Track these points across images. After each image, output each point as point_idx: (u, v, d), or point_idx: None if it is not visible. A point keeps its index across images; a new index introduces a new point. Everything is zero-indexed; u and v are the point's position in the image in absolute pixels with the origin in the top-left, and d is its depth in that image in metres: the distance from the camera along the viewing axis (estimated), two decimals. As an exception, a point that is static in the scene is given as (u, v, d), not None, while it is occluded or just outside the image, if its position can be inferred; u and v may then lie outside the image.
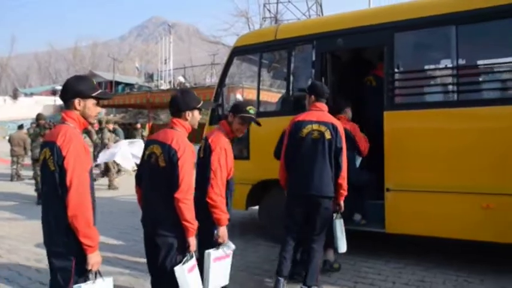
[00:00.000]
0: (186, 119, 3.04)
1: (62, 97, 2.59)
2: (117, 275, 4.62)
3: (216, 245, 3.23)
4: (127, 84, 40.37)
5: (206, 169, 3.26)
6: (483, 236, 4.29)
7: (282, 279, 3.90)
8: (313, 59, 5.26)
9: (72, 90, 2.55)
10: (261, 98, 5.81)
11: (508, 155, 4.12)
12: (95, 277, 2.52)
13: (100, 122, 16.35)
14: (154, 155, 2.90)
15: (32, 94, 50.42)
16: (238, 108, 3.53)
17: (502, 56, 4.56)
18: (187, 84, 30.04)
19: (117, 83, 41.67)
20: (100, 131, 14.20)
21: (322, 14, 31.33)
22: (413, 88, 4.86)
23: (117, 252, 5.46)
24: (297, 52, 5.51)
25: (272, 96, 6.96)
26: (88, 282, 2.48)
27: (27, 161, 14.21)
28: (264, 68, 6.24)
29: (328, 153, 3.84)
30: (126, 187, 11.38)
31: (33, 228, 6.83)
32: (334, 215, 4.05)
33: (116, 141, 13.68)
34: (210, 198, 3.16)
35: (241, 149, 5.81)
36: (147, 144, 3.06)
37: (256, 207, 6.03)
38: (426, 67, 4.97)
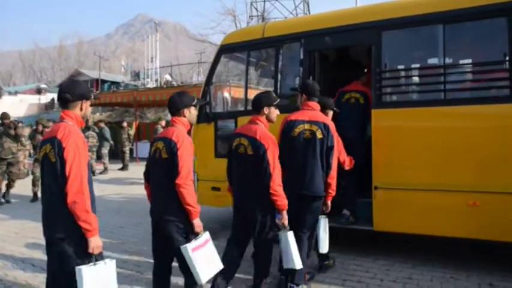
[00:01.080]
0: (185, 116, 3.36)
1: (62, 99, 2.80)
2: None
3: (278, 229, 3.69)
4: (113, 83, 40.02)
5: (262, 165, 3.51)
6: (469, 233, 4.33)
7: (284, 277, 3.91)
8: (301, 57, 5.25)
9: (77, 93, 2.80)
10: (249, 96, 5.78)
11: (494, 153, 4.17)
12: (96, 260, 2.67)
13: (86, 121, 16.18)
14: (158, 150, 3.24)
15: (16, 92, 49.57)
16: (270, 99, 3.77)
17: (489, 55, 4.60)
18: (174, 83, 29.93)
19: (103, 82, 41.27)
20: (86, 129, 14.07)
21: (309, 13, 31.40)
22: (401, 86, 4.89)
23: (105, 252, 5.37)
24: (285, 50, 5.49)
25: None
26: (90, 264, 2.63)
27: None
28: (252, 66, 6.22)
29: (319, 152, 3.89)
30: (111, 187, 11.29)
31: (18, 228, 6.74)
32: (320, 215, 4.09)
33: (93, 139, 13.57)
34: (273, 189, 3.50)
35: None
36: (153, 142, 3.39)
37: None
38: (413, 66, 4.98)
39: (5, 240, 6.05)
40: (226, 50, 6.03)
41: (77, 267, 2.58)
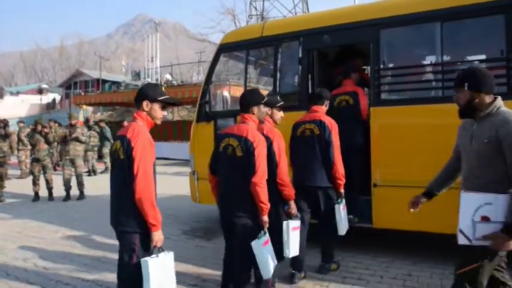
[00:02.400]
0: (254, 113, 3.52)
1: (134, 100, 3.02)
2: (106, 273, 4.61)
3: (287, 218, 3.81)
4: (114, 83, 40.00)
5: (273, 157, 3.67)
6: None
7: (297, 273, 4.18)
8: (300, 55, 5.27)
9: (142, 94, 2.96)
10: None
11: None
12: (158, 252, 2.82)
13: (87, 121, 16.22)
14: (231, 147, 3.38)
15: (18, 93, 49.65)
16: (273, 100, 3.95)
17: (487, 52, 4.61)
18: (174, 82, 29.89)
19: (104, 81, 41.25)
20: (88, 129, 14.09)
21: (308, 11, 31.36)
22: (399, 84, 4.89)
23: (107, 250, 5.44)
24: (284, 49, 5.51)
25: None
26: (153, 256, 2.77)
27: (14, 159, 14.08)
28: (251, 65, 6.23)
29: (318, 147, 4.26)
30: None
31: (20, 227, 6.77)
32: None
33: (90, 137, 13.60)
34: (280, 179, 3.67)
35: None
36: (222, 137, 3.54)
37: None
38: (412, 63, 4.99)
39: (7, 240, 6.07)
40: (225, 49, 6.05)
41: (143, 259, 2.73)
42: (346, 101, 5.08)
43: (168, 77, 32.59)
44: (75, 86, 47.28)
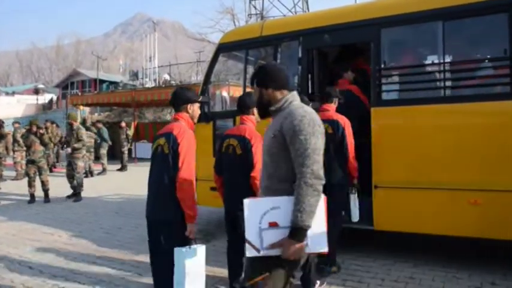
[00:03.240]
0: (253, 114, 3.75)
1: (174, 103, 3.28)
2: (103, 275, 4.54)
3: None
4: (111, 83, 39.95)
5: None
6: (471, 232, 4.29)
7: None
8: (300, 55, 5.21)
9: (184, 98, 3.25)
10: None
11: (495, 151, 4.13)
12: (192, 243, 3.00)
13: (84, 121, 16.14)
14: (231, 147, 3.65)
15: (13, 93, 49.50)
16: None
17: (489, 51, 4.56)
18: (173, 82, 29.87)
19: (102, 81, 41.16)
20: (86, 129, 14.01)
21: (309, 11, 31.33)
22: (400, 84, 4.83)
23: (103, 253, 5.37)
24: (283, 48, 5.45)
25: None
26: (187, 246, 2.92)
27: (9, 160, 13.98)
28: (250, 64, 6.17)
29: (332, 146, 4.25)
30: (110, 187, 11.25)
31: (15, 230, 6.69)
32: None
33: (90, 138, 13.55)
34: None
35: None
36: (223, 138, 3.78)
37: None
38: (413, 63, 4.93)
39: (2, 242, 5.99)
40: (224, 48, 5.99)
41: (176, 248, 2.87)
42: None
43: (167, 76, 32.55)
44: (72, 86, 47.14)
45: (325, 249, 2.19)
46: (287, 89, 2.38)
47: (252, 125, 3.75)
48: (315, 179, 2.09)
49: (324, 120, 4.15)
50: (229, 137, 3.75)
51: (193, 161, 3.09)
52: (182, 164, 3.00)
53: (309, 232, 2.10)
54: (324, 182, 2.14)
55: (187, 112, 3.24)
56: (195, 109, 3.28)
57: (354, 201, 4.61)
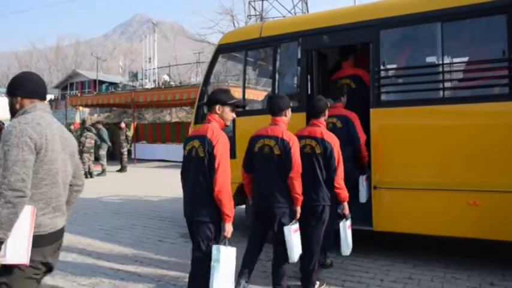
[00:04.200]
0: (286, 116, 3.92)
1: (207, 103, 3.51)
2: (103, 277, 4.54)
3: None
4: (111, 83, 39.93)
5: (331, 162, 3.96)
6: (470, 232, 4.31)
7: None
8: (299, 56, 5.22)
9: (215, 99, 3.37)
10: (247, 96, 5.76)
11: (494, 151, 4.14)
12: (228, 243, 3.16)
13: (83, 122, 16.16)
14: (268, 147, 3.76)
15: (13, 94, 49.39)
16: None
17: (488, 52, 4.57)
18: (172, 83, 29.85)
19: (101, 82, 41.15)
20: (84, 130, 14.03)
21: (308, 12, 31.36)
22: (400, 85, 4.85)
23: (103, 254, 5.37)
24: (283, 50, 5.46)
25: (258, 94, 6.90)
26: (223, 244, 3.13)
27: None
28: (250, 65, 6.19)
29: (342, 141, 4.25)
30: (109, 188, 11.25)
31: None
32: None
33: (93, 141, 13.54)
34: (337, 183, 3.94)
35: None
36: (257, 138, 3.88)
37: (243, 206, 5.98)
38: (412, 64, 4.94)
39: None
40: (223, 49, 6.00)
41: (215, 245, 3.11)
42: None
43: (166, 77, 32.54)
44: (71, 87, 47.16)
45: (23, 261, 2.16)
46: (37, 97, 2.38)
47: (284, 126, 3.90)
48: (10, 191, 2.05)
49: (333, 116, 4.50)
50: (264, 138, 3.85)
51: (228, 162, 3.22)
52: (218, 166, 3.12)
53: (9, 243, 2.09)
54: (21, 194, 2.07)
55: (217, 113, 3.34)
56: (225, 110, 3.36)
57: (362, 183, 4.69)
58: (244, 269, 3.98)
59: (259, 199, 3.93)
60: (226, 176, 3.16)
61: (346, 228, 4.12)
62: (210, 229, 3.20)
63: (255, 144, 3.90)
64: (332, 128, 4.63)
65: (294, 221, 3.75)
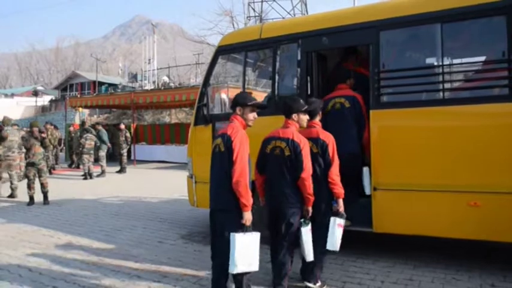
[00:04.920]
0: (294, 120, 4.03)
1: (231, 106, 3.79)
2: (103, 277, 4.53)
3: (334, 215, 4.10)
4: (110, 85, 39.98)
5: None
6: (471, 234, 4.30)
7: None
8: (299, 58, 5.22)
9: (235, 101, 3.72)
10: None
11: (494, 153, 4.14)
12: (247, 230, 3.41)
13: (83, 123, 16.15)
14: (279, 148, 3.89)
15: (12, 95, 49.47)
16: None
17: (488, 53, 4.57)
18: (172, 84, 29.85)
19: (101, 83, 41.22)
20: (84, 131, 14.01)
21: (307, 13, 31.39)
22: (400, 87, 4.84)
23: (103, 255, 5.35)
24: (282, 51, 5.45)
25: (257, 95, 6.88)
26: (241, 232, 3.37)
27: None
28: (249, 67, 6.17)
29: (350, 121, 4.87)
30: (109, 189, 11.23)
31: (15, 232, 6.68)
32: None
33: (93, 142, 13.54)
34: (331, 178, 4.05)
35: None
36: (269, 140, 4.00)
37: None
38: (412, 65, 4.93)
39: (1, 245, 5.98)
40: (223, 51, 5.99)
41: (231, 234, 3.34)
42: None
43: (166, 79, 32.57)
44: (71, 88, 47.20)
45: None
46: None
47: (295, 128, 4.02)
48: None
49: (341, 96, 4.62)
50: (275, 139, 3.97)
51: (246, 156, 3.48)
52: (236, 158, 3.41)
53: None
54: None
55: (238, 114, 3.67)
56: (245, 111, 3.67)
57: (367, 175, 4.73)
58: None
59: (269, 201, 4.06)
60: (244, 168, 3.41)
61: (335, 225, 4.07)
62: (230, 218, 3.45)
63: (266, 145, 4.04)
64: (340, 108, 4.91)
65: (307, 221, 3.88)
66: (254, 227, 3.58)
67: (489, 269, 4.43)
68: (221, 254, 3.49)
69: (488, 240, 4.33)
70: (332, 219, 4.08)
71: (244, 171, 3.41)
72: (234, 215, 3.44)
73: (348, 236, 4.40)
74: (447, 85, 4.54)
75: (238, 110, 3.69)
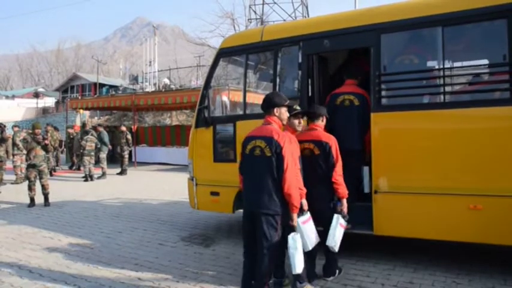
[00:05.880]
0: (275, 115, 3.84)
1: (264, 107, 3.82)
2: (103, 279, 4.53)
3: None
4: (111, 86, 39.94)
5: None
6: (471, 237, 4.30)
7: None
8: (300, 60, 5.23)
9: (272, 102, 3.75)
10: (248, 100, 5.76)
11: (495, 156, 4.14)
12: (294, 229, 3.63)
13: (84, 125, 16.15)
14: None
15: (13, 96, 49.49)
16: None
17: (489, 57, 4.58)
18: (173, 86, 29.84)
19: (102, 85, 41.21)
20: (85, 133, 14.02)
21: (308, 16, 31.43)
22: (400, 90, 4.84)
23: (103, 257, 5.35)
24: (283, 54, 5.46)
25: (258, 98, 6.88)
26: (292, 233, 3.61)
27: (9, 164, 13.96)
28: (250, 69, 6.19)
29: (356, 117, 4.94)
30: (109, 191, 11.24)
31: (15, 234, 6.68)
32: None
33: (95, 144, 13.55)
34: (334, 179, 4.17)
35: (228, 151, 5.78)
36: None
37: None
38: (413, 68, 4.93)
39: (2, 246, 5.98)
40: (224, 53, 6.00)
41: (293, 234, 3.60)
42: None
43: (167, 81, 32.52)
44: (72, 89, 47.22)
45: None
46: None
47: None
48: None
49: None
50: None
51: (296, 158, 3.68)
52: (287, 165, 3.50)
53: None
54: None
55: (275, 115, 3.72)
56: (282, 112, 3.76)
57: (367, 174, 4.81)
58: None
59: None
60: (294, 174, 3.56)
61: (338, 224, 4.14)
62: (276, 221, 3.57)
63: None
64: (350, 105, 4.97)
65: (304, 213, 3.91)
66: None
67: (489, 272, 4.43)
68: (262, 256, 3.59)
69: (489, 244, 4.32)
70: (336, 216, 4.16)
71: (294, 177, 3.57)
72: (277, 218, 3.58)
73: (348, 238, 4.40)
74: (448, 88, 4.54)
75: (275, 110, 3.73)
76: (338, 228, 4.15)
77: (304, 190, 3.86)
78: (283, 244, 3.79)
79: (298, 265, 3.62)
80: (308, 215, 3.94)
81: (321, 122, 4.48)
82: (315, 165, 4.19)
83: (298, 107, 4.24)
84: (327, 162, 4.22)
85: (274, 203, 3.57)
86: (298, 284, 3.91)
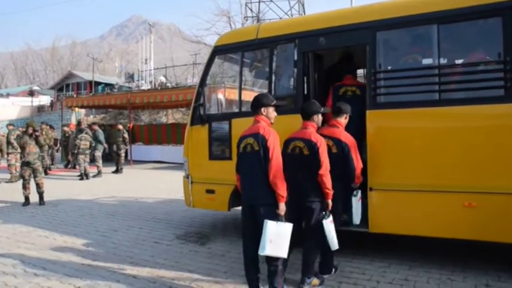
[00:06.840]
0: (314, 121, 4.23)
1: (252, 107, 3.98)
2: (98, 278, 4.52)
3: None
4: (107, 85, 39.81)
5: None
6: (466, 234, 4.31)
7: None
8: (295, 58, 5.22)
9: (259, 102, 3.93)
10: (243, 97, 5.74)
11: (489, 153, 4.15)
12: (281, 220, 3.71)
13: (79, 123, 16.11)
14: (298, 148, 4.10)
15: (8, 95, 49.24)
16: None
17: (484, 55, 4.58)
18: (169, 84, 29.79)
19: (97, 83, 41.06)
20: (79, 132, 13.97)
21: (305, 13, 31.41)
22: (396, 87, 4.85)
23: (99, 256, 5.33)
24: (279, 51, 5.45)
25: (254, 95, 6.86)
26: (277, 222, 3.66)
27: (3, 163, 13.90)
28: (246, 67, 6.18)
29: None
30: (105, 189, 11.21)
31: (10, 232, 6.65)
32: None
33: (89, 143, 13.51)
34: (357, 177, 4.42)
35: (223, 149, 5.77)
36: (289, 141, 4.19)
37: (239, 208, 5.97)
38: (408, 66, 4.94)
39: (-3, 245, 5.96)
40: (220, 51, 5.99)
41: (265, 220, 3.61)
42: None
43: (163, 79, 32.47)
44: (67, 88, 47.00)
45: None
46: None
47: (313, 129, 4.21)
48: None
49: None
50: (295, 140, 4.17)
51: (279, 152, 3.76)
52: (272, 155, 3.66)
53: None
54: None
55: (263, 114, 3.89)
56: (269, 111, 3.92)
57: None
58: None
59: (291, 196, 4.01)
60: (279, 163, 3.69)
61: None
62: (268, 210, 3.69)
63: (287, 145, 4.19)
64: (352, 96, 5.11)
65: (328, 213, 4.05)
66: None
67: (484, 269, 4.45)
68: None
69: (483, 241, 4.34)
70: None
71: (280, 167, 3.68)
72: (274, 208, 3.69)
73: (343, 236, 4.40)
74: (443, 86, 4.55)
75: (263, 110, 3.90)
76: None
77: (331, 191, 4.00)
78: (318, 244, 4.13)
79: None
80: (331, 216, 4.09)
81: (344, 120, 4.56)
82: (332, 162, 4.15)
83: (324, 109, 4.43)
84: (342, 161, 4.32)
85: (271, 194, 3.70)
86: (320, 276, 4.30)
